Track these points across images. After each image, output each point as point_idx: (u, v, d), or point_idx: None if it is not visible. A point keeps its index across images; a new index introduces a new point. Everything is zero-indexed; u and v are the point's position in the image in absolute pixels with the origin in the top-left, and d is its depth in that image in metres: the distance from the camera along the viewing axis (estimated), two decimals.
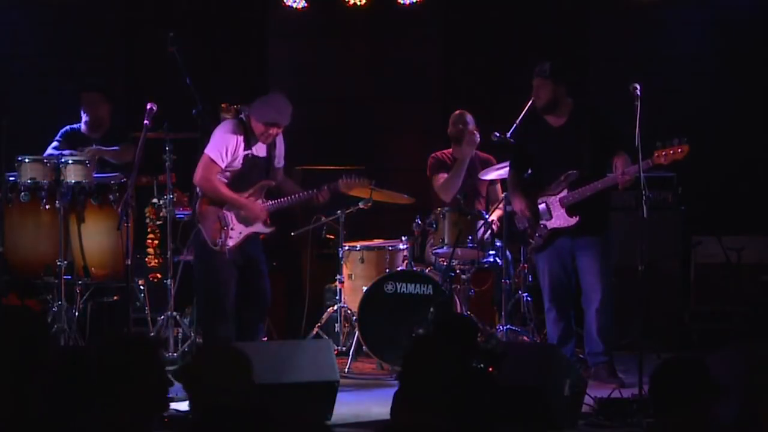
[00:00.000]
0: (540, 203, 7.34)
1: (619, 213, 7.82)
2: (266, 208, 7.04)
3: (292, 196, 7.13)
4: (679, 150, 6.89)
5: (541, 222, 7.32)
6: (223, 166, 6.91)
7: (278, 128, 6.95)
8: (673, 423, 3.75)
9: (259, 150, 7.03)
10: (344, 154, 9.18)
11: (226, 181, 6.97)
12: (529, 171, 7.48)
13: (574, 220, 7.24)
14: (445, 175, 8.23)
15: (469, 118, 8.33)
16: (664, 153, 6.89)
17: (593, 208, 7.22)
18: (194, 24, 9.18)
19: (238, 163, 6.95)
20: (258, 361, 5.14)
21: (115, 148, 7.97)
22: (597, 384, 6.94)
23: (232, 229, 6.96)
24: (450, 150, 8.39)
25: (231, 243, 6.95)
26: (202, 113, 7.42)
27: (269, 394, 5.53)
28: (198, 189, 7.00)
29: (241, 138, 6.93)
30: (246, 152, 6.95)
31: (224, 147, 6.90)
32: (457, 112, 8.42)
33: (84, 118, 8.18)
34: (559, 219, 7.29)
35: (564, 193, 7.25)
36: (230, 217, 6.98)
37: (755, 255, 8.70)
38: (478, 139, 8.12)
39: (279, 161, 7.21)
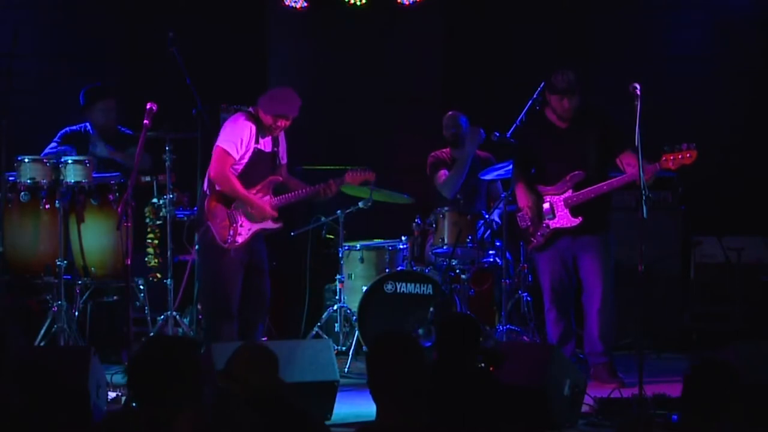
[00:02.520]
0: (544, 202, 7.33)
1: (619, 213, 7.81)
2: (273, 204, 7.05)
3: (299, 191, 7.14)
4: (688, 155, 6.90)
5: (544, 221, 7.32)
6: (237, 157, 6.94)
7: (287, 120, 6.97)
8: (706, 424, 3.74)
9: (265, 145, 7.05)
10: (344, 153, 9.16)
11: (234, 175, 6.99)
12: (533, 170, 7.46)
13: (577, 221, 7.23)
14: (446, 172, 8.22)
15: (462, 119, 8.31)
16: (672, 157, 6.90)
17: (595, 208, 7.21)
18: (194, 24, 9.18)
19: (247, 157, 6.97)
20: None
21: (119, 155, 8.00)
22: (597, 384, 6.95)
23: (241, 226, 6.98)
24: (448, 149, 8.38)
25: (240, 240, 6.97)
26: (202, 113, 7.42)
27: None
28: (205, 185, 7.01)
29: (253, 130, 6.95)
30: (255, 146, 6.98)
31: (238, 138, 6.92)
32: (450, 113, 8.40)
33: (92, 122, 8.16)
34: (563, 219, 7.28)
35: (569, 193, 7.25)
36: (238, 214, 6.98)
37: (755, 255, 8.71)
38: (484, 135, 8.08)
39: (282, 158, 7.22)
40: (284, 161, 7.25)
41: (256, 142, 6.99)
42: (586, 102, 7.40)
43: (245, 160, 6.98)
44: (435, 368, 4.76)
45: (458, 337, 4.91)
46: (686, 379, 3.86)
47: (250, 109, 7.06)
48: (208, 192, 7.02)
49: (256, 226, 7.03)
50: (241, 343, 4.34)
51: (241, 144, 6.93)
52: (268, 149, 7.07)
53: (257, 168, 7.02)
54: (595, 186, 7.17)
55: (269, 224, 7.10)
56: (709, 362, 3.87)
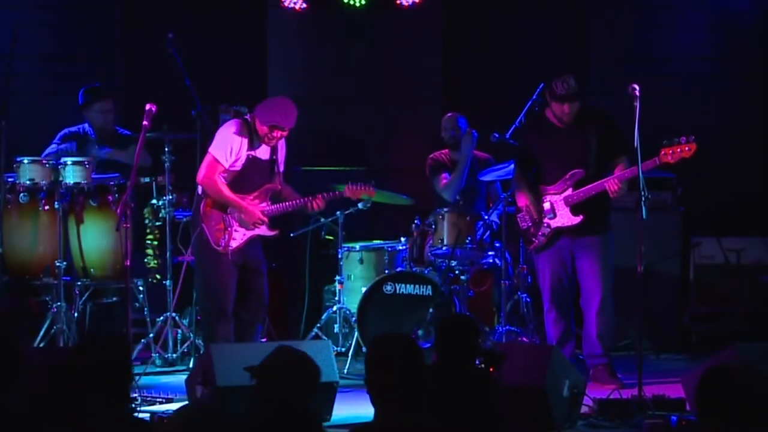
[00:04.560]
0: (544, 202, 7.32)
1: (618, 214, 7.80)
2: (264, 212, 7.03)
3: (289, 203, 7.11)
4: (687, 148, 6.87)
5: (545, 221, 7.31)
6: (226, 165, 6.92)
7: (282, 131, 6.95)
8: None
9: (262, 152, 7.03)
10: (344, 155, 9.17)
11: (224, 181, 6.96)
12: (534, 170, 7.45)
13: (577, 220, 7.22)
14: (447, 176, 8.20)
15: (461, 121, 8.30)
16: (671, 151, 6.87)
17: (595, 209, 7.20)
18: (194, 24, 9.18)
19: (239, 164, 6.95)
20: (258, 362, 5.12)
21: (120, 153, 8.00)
22: (596, 385, 6.94)
23: (236, 231, 6.97)
24: (447, 150, 8.36)
25: (234, 244, 6.96)
26: (202, 114, 7.42)
27: None
28: (200, 188, 7.01)
29: (245, 139, 6.93)
30: (249, 153, 6.96)
31: (229, 147, 6.90)
32: (449, 115, 8.37)
33: (90, 122, 8.15)
34: (563, 218, 7.27)
35: (569, 192, 7.24)
36: (233, 220, 6.98)
37: (754, 256, 8.71)
38: (476, 136, 8.07)
39: (279, 166, 7.20)
40: (281, 169, 7.23)
41: (250, 148, 6.96)
42: (586, 103, 7.40)
43: (238, 167, 6.95)
44: (434, 370, 4.76)
45: (457, 338, 4.90)
46: (701, 387, 3.84)
47: (247, 116, 7.04)
48: (203, 195, 7.01)
49: (250, 232, 7.02)
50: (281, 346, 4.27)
51: (231, 152, 6.90)
52: (266, 157, 7.04)
53: (253, 175, 7.00)
54: (595, 183, 7.15)
55: (265, 231, 7.08)
56: (716, 372, 3.85)
